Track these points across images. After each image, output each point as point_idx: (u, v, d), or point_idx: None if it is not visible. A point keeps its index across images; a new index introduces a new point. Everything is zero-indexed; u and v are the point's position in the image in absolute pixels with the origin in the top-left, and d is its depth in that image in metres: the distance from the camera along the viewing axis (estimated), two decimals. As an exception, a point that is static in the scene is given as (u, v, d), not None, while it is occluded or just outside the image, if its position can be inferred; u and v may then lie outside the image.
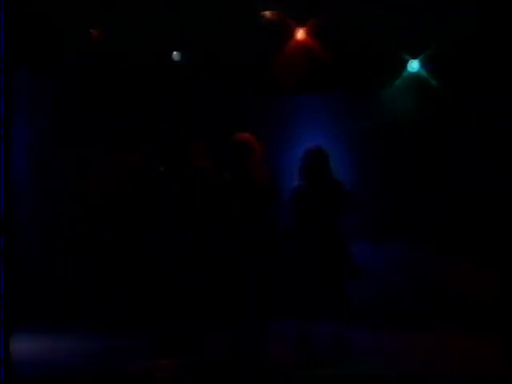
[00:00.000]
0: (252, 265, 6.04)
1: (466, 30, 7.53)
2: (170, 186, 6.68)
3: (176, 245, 6.53)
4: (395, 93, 8.28)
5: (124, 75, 8.45)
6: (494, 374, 5.66)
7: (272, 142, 7.18)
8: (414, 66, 8.16)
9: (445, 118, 8.14)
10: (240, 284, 6.07)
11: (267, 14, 7.72)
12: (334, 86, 8.29)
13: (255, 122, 7.54)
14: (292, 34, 8.06)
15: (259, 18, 7.70)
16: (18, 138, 7.54)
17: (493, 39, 7.63)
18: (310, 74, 8.25)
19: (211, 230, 6.26)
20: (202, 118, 8.29)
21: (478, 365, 5.93)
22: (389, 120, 8.21)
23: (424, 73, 8.15)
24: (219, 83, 8.44)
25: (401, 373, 5.73)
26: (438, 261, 7.97)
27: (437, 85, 8.12)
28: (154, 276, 6.98)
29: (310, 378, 5.65)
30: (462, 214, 7.92)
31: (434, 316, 7.70)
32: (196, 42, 8.09)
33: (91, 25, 7.89)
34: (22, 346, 6.17)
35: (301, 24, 7.98)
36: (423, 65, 8.14)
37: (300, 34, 8.07)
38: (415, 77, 8.19)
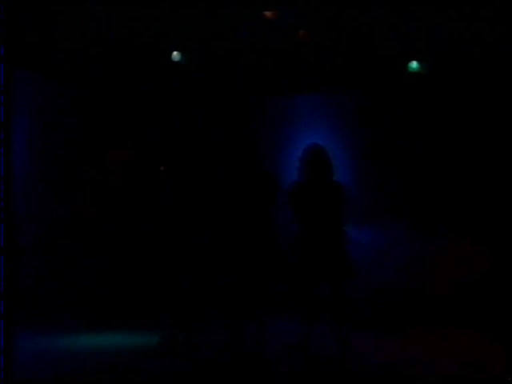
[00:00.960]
0: (255, 263, 6.08)
1: (466, 30, 7.55)
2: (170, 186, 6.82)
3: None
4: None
5: (124, 75, 8.47)
6: (491, 373, 5.68)
7: (272, 142, 7.19)
8: (414, 66, 8.19)
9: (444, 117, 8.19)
10: (240, 284, 6.09)
11: (267, 13, 7.72)
12: (333, 85, 8.32)
13: (255, 122, 7.56)
14: (292, 33, 8.07)
15: (259, 18, 7.71)
16: (17, 138, 7.55)
17: (493, 39, 7.65)
18: (309, 73, 8.27)
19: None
20: (202, 118, 8.31)
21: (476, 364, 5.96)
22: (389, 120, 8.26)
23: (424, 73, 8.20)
24: (219, 83, 8.46)
25: (401, 373, 5.74)
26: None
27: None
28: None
29: (309, 378, 5.65)
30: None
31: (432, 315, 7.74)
32: (196, 42, 8.11)
33: (91, 25, 7.89)
34: (22, 345, 6.17)
35: (301, 24, 7.99)
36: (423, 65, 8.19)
37: (300, 33, 8.08)
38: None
